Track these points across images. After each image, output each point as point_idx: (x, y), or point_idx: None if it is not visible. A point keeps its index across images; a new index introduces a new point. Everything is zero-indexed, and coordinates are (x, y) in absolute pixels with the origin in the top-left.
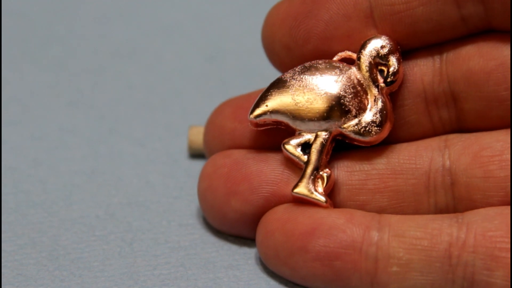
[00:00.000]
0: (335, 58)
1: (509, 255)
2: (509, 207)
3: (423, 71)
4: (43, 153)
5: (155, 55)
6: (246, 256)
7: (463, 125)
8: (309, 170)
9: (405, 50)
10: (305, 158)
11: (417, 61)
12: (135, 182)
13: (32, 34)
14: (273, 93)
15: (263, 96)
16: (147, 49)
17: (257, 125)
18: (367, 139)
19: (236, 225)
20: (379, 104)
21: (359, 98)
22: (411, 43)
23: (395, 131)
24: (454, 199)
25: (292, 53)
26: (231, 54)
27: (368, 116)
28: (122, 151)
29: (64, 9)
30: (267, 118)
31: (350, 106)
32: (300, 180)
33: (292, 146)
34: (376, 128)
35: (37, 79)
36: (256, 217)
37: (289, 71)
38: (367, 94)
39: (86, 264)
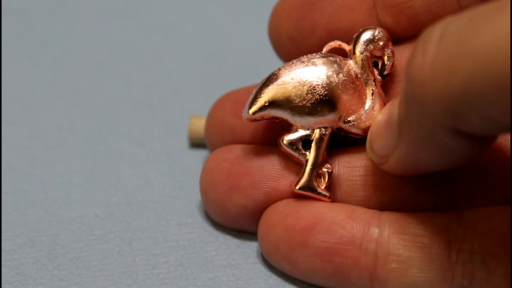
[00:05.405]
0: (325, 49)
1: (508, 254)
2: (509, 206)
3: None
4: (42, 152)
5: (154, 54)
6: (245, 255)
7: None
8: (311, 167)
9: (405, 39)
10: (303, 153)
11: None
12: (134, 181)
13: (31, 33)
14: (270, 88)
15: (260, 92)
16: (146, 48)
17: (254, 120)
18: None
19: (238, 219)
20: (377, 98)
21: (358, 92)
22: (411, 33)
23: None
24: (455, 197)
25: (298, 46)
26: (230, 53)
27: (367, 110)
28: (121, 150)
29: (63, 8)
30: (265, 114)
31: (350, 101)
32: (301, 177)
33: (289, 142)
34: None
35: (36, 78)
36: (257, 212)
37: (284, 65)
38: (364, 88)
39: (85, 263)
